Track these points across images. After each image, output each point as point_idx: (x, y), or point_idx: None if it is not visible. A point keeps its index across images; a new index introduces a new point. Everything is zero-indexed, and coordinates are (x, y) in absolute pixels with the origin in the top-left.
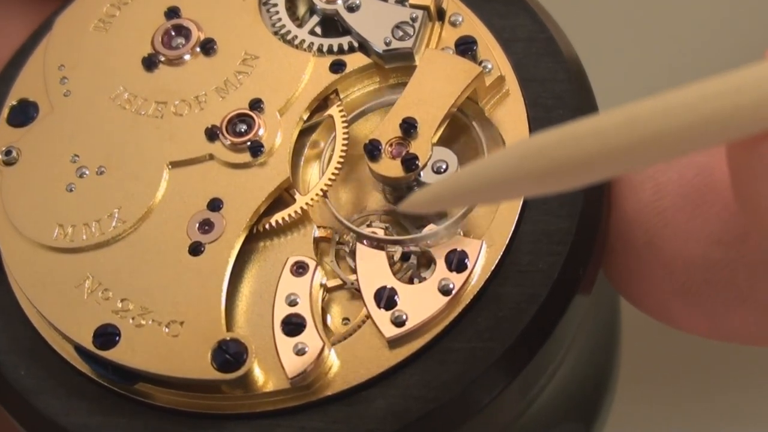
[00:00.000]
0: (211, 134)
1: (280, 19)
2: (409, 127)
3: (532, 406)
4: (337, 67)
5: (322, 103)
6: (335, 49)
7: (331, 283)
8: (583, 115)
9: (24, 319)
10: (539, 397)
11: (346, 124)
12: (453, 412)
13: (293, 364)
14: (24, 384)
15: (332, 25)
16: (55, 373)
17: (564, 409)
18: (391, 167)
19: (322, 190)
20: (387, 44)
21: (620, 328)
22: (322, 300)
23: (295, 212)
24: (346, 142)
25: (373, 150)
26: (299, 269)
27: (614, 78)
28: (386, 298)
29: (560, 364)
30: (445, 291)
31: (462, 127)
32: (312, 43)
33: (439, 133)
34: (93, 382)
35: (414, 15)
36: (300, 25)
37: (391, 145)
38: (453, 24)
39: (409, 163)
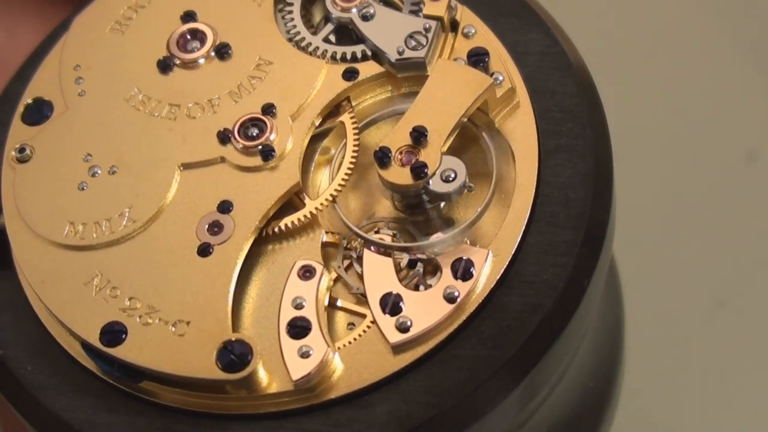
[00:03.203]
0: (223, 137)
1: (295, 26)
2: (419, 135)
3: (534, 415)
4: (349, 74)
5: (334, 109)
6: (348, 57)
7: (333, 275)
8: (592, 129)
9: (32, 315)
10: (542, 406)
11: (357, 131)
12: (455, 418)
13: (297, 367)
14: (30, 379)
15: (346, 33)
16: (61, 369)
17: (568, 418)
18: (400, 174)
19: (331, 195)
20: (400, 53)
21: (624, 338)
22: (328, 303)
23: (304, 216)
24: (356, 148)
25: (383, 157)
26: (306, 273)
27: (623, 91)
28: (392, 304)
29: (564, 374)
30: (450, 299)
31: (472, 137)
32: (326, 51)
33: (449, 143)
34: (98, 379)
35: (427, 25)
36: (314, 32)
37: (401, 152)
38: (466, 35)
39: (418, 171)
